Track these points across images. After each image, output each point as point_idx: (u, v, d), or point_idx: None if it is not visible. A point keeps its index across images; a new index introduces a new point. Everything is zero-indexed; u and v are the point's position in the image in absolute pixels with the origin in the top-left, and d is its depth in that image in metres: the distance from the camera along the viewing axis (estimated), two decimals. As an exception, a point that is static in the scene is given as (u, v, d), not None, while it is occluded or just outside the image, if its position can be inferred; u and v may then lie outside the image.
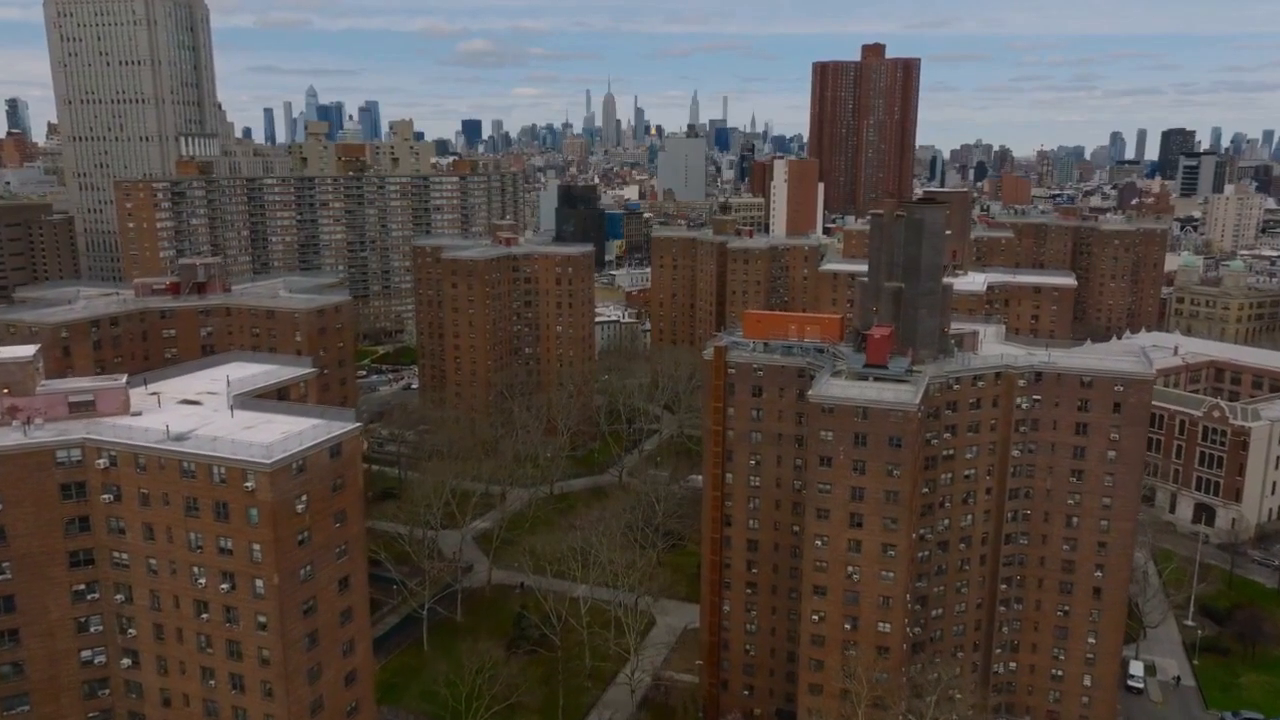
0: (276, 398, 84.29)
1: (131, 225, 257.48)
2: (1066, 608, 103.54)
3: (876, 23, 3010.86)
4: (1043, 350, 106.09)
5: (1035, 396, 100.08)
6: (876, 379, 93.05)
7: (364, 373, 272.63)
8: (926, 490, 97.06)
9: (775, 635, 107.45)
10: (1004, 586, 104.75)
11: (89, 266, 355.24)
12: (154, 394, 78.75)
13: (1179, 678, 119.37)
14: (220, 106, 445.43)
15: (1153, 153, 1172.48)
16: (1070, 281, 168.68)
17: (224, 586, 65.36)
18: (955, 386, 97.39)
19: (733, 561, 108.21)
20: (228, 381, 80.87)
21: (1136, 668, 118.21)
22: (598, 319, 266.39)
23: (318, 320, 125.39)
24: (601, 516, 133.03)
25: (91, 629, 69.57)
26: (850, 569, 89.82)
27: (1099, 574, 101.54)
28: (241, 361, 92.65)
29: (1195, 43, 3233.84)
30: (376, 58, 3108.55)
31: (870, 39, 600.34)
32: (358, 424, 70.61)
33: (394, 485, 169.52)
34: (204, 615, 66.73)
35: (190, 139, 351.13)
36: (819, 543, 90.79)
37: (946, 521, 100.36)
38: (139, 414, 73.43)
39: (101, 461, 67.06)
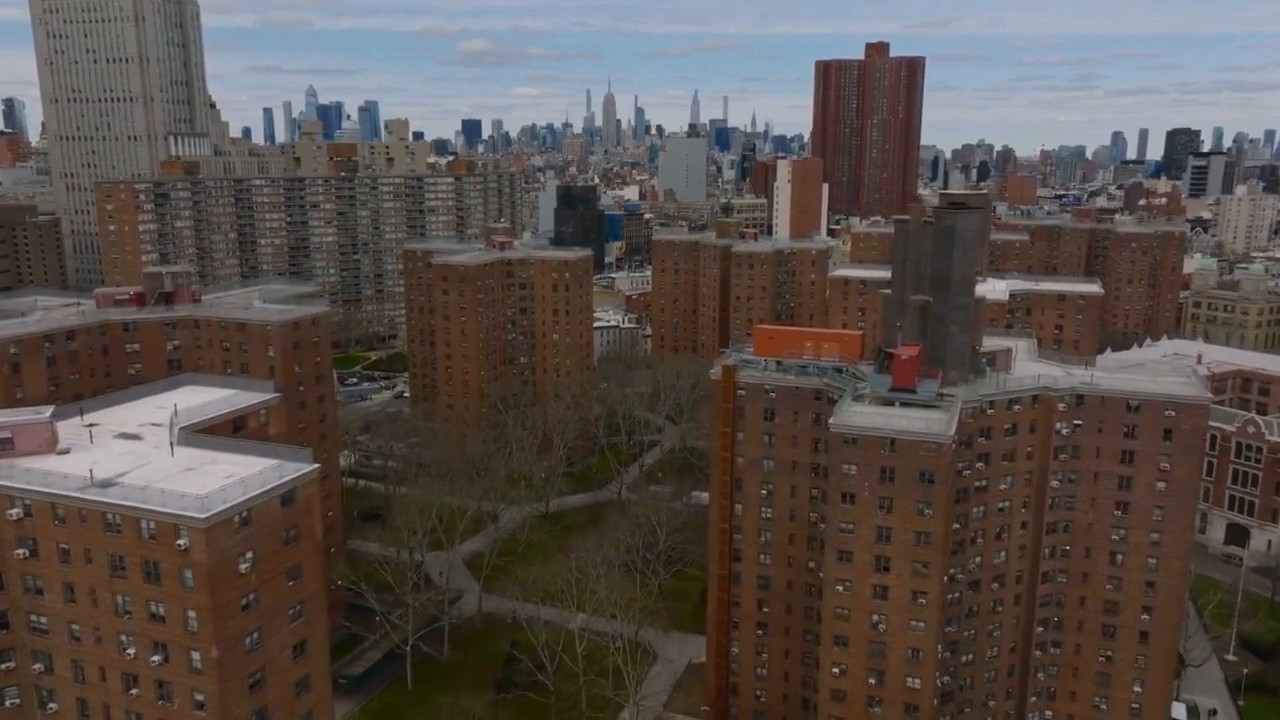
0: (232, 429, 74.99)
1: (113, 228, 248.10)
2: (1109, 653, 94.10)
3: (877, 23, 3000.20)
4: (1082, 369, 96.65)
5: (1076, 421, 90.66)
6: (903, 404, 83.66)
7: (355, 380, 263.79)
8: (957, 526, 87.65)
9: (789, 681, 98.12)
10: (1040, 629, 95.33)
11: (76, 270, 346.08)
12: (90, 426, 69.41)
13: (1215, 710, 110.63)
14: (214, 105, 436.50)
15: (1155, 152, 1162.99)
16: (1097, 289, 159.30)
17: (155, 658, 56.11)
18: (989, 411, 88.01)
19: (742, 600, 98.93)
20: (175, 412, 71.54)
21: (1179, 710, 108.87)
22: (596, 324, 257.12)
23: (292, 334, 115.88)
24: (599, 544, 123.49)
25: (6, 702, 60.37)
26: (875, 618, 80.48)
27: (1146, 617, 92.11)
28: (197, 385, 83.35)
29: (1196, 42, 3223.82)
30: (377, 57, 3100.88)
31: (870, 39, 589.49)
32: (314, 466, 61.33)
33: (380, 505, 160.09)
34: (133, 691, 57.49)
35: (180, 138, 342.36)
36: (840, 588, 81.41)
37: (978, 559, 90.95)
38: (66, 452, 64.18)
39: (15, 511, 57.81)
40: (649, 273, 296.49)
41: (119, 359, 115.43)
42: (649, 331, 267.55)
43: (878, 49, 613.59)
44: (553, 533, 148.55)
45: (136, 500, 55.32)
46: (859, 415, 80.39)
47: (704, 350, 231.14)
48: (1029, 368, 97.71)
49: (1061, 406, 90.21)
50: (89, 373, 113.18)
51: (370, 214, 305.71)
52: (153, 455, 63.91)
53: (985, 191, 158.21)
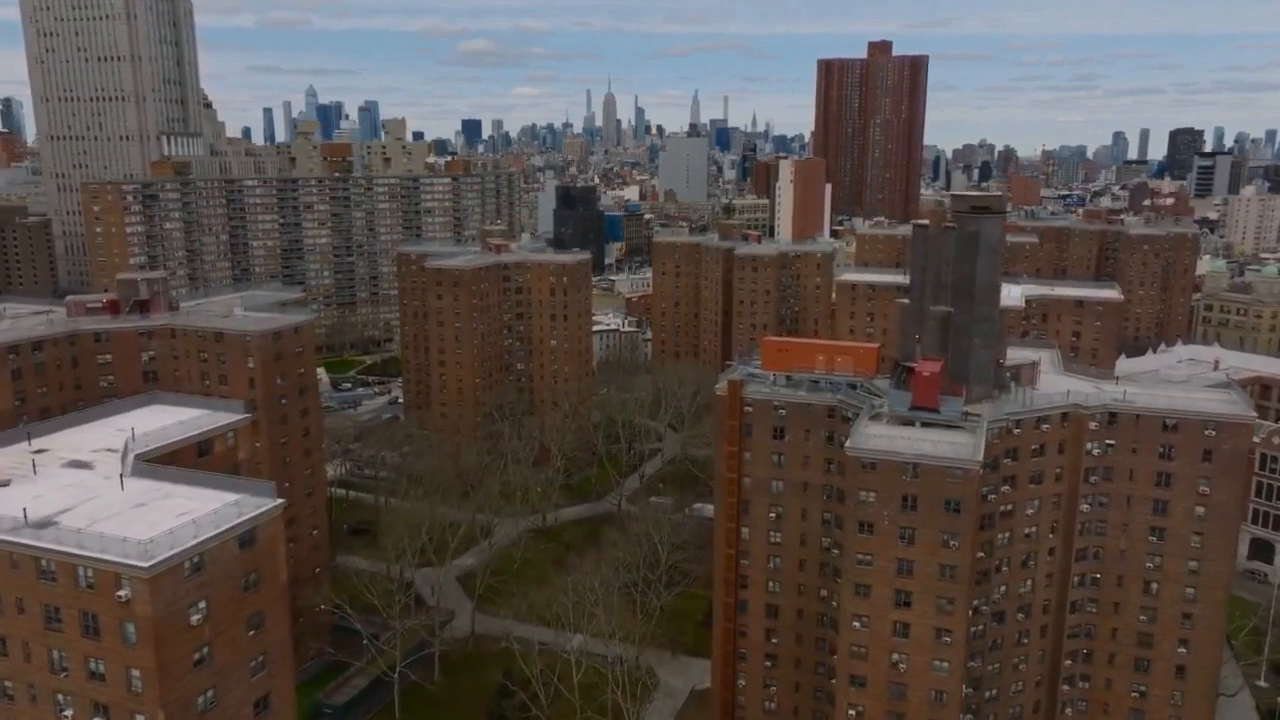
0: (197, 453, 68.86)
1: (99, 230, 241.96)
2: (1143, 688, 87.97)
3: (877, 22, 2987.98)
4: (1113, 384, 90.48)
5: (1108, 441, 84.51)
6: (924, 424, 77.55)
7: (349, 385, 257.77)
8: (981, 554, 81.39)
9: (799, 717, 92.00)
10: (1069, 663, 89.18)
11: (68, 272, 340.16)
12: (38, 453, 63.27)
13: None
14: (209, 105, 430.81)
15: (1156, 152, 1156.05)
16: (1116, 295, 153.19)
17: (96, 721, 50.09)
18: (1016, 431, 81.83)
19: (749, 629, 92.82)
20: (132, 436, 65.40)
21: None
22: (596, 327, 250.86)
23: (273, 344, 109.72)
24: (598, 564, 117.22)
25: (-65, 765, 54.41)
26: (895, 657, 74.31)
27: (1183, 650, 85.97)
28: (164, 404, 77.15)
29: (1196, 42, 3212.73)
30: (377, 57, 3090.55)
31: (869, 39, 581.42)
32: (278, 502, 55.16)
33: (370, 518, 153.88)
34: (73, 756, 51.42)
35: (173, 138, 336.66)
36: (857, 624, 75.25)
37: (1003, 588, 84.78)
38: (6, 484, 58.07)
39: (-60, 555, 51.82)
40: (649, 274, 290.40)
41: (90, 371, 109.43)
42: (650, 335, 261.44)
43: (880, 48, 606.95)
44: (549, 549, 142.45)
45: (73, 544, 49.14)
46: (877, 437, 74.19)
47: (706, 355, 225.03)
48: (1055, 382, 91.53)
49: (1093, 425, 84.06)
50: (57, 386, 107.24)
51: (365, 215, 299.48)
52: (102, 487, 57.79)
53: (1000, 194, 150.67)
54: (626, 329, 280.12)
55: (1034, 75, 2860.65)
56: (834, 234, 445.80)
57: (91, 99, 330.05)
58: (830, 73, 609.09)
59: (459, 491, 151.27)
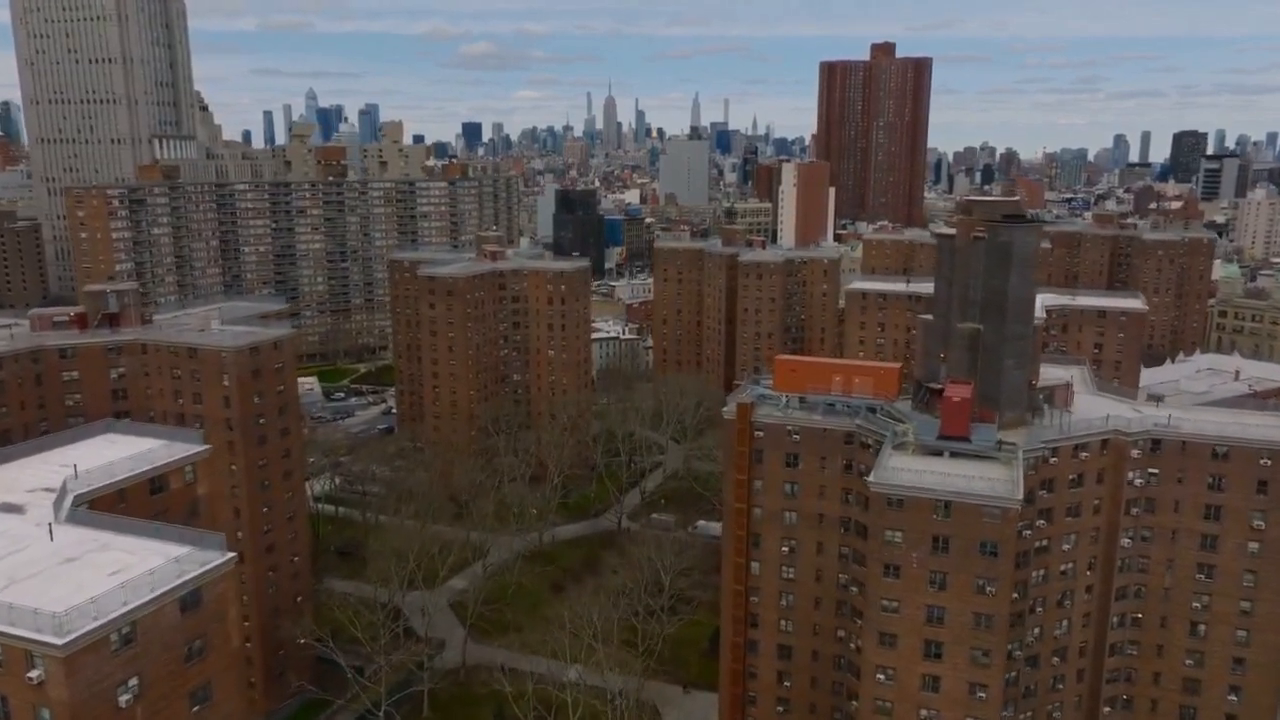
0: (150, 490, 61.93)
1: (84, 236, 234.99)
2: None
3: (878, 25, 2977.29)
4: (1153, 406, 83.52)
5: (1152, 470, 77.51)
6: (954, 454, 70.52)
7: (342, 395, 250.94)
8: (1015, 595, 74.41)
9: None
10: (1107, 710, 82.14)
11: (59, 278, 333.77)
12: (-33, 493, 56.32)
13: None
14: (205, 108, 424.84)
15: (1157, 155, 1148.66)
16: (1140, 305, 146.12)
17: (11, 818, 43.16)
18: (1052, 460, 74.82)
19: (760, 671, 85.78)
20: (74, 473, 58.49)
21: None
22: (596, 335, 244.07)
23: (249, 360, 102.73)
24: (596, 594, 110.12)
25: None
26: (924, 714, 67.27)
27: (1234, 698, 78.94)
28: (118, 433, 70.12)
29: (1197, 45, 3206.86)
30: (379, 60, 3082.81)
31: (870, 41, 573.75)
32: (228, 556, 48.14)
33: (359, 536, 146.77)
34: None
35: (165, 141, 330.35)
36: (882, 677, 68.22)
37: (1037, 630, 77.78)
38: (-80, 533, 51.18)
39: None
40: (650, 280, 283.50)
41: (55, 389, 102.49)
42: (650, 343, 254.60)
43: (883, 50, 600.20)
44: (545, 574, 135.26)
45: (-21, 614, 42.24)
46: (904, 471, 67.12)
47: (709, 365, 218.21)
48: (1090, 404, 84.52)
49: (1135, 453, 77.06)
50: (19, 405, 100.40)
51: (360, 220, 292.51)
52: (30, 537, 50.86)
53: (1017, 199, 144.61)
54: (627, 336, 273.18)
55: (1035, 78, 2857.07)
56: (837, 238, 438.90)
57: (82, 101, 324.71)
58: (833, 75, 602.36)
59: (451, 512, 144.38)
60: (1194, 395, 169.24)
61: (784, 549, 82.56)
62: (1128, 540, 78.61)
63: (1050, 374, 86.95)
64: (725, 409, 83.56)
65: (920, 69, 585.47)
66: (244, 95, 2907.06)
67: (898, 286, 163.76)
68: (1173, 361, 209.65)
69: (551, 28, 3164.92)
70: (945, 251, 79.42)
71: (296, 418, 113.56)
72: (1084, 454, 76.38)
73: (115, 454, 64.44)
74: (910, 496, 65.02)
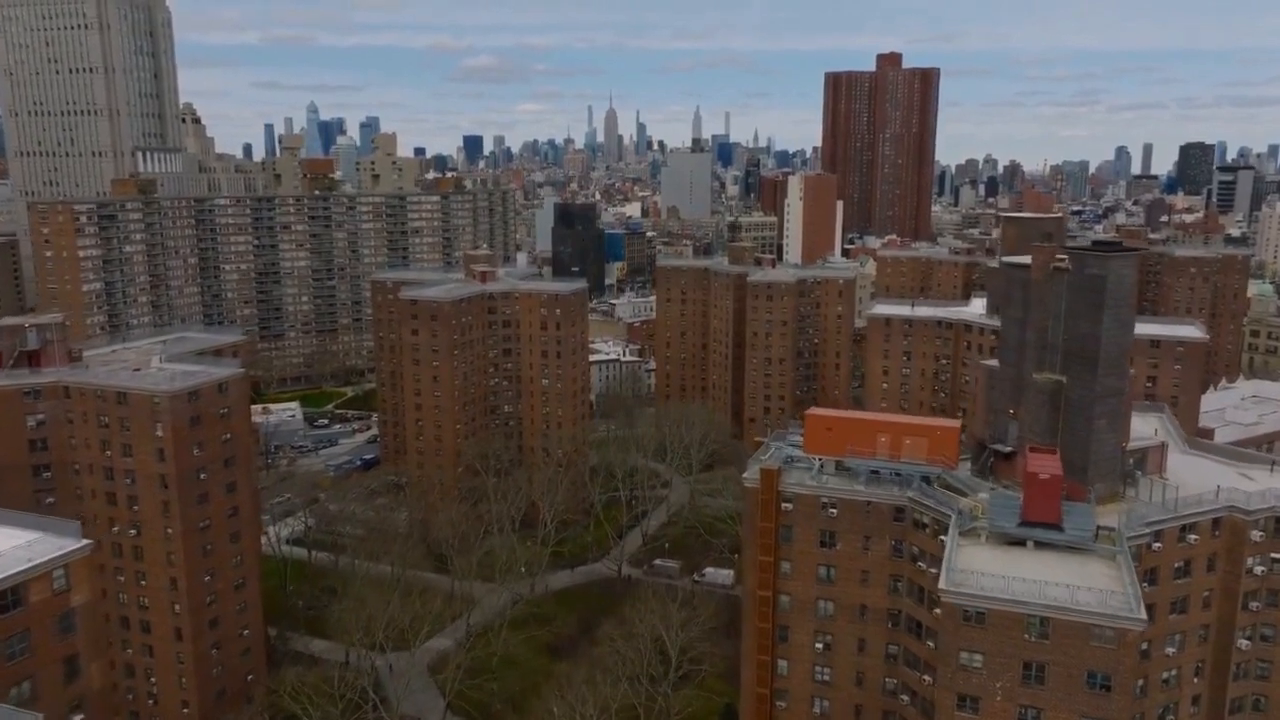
0: (8, 603, 47.23)
1: (49, 254, 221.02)
2: None
3: (880, 38, 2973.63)
4: (1267, 471, 68.75)
5: (1275, 556, 62.78)
6: (1039, 544, 55.77)
7: (325, 421, 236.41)
8: (1111, 714, 59.57)
9: None
10: (1216, 846, 67.03)
11: (37, 294, 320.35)
12: None
13: None
14: (199, 120, 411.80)
15: (1159, 167, 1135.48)
16: (1199, 334, 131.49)
17: None
18: (1155, 547, 60.08)
19: (788, 791, 70.77)
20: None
21: None
22: (595, 357, 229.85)
23: (187, 407, 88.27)
24: (592, 679, 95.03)
25: None
26: None
27: (1377, 837, 63.91)
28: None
29: (1198, 57, 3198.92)
30: (381, 73, 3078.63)
31: (872, 55, 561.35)
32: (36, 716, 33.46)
33: (331, 587, 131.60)
34: None
35: (149, 154, 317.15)
36: (954, 835, 53.24)
37: (1133, 753, 62.83)
38: None
39: None
40: (652, 297, 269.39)
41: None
42: (652, 365, 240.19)
43: (890, 60, 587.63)
44: (535, 639, 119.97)
45: None
46: (985, 575, 52.17)
47: (715, 392, 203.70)
48: (1186, 468, 69.82)
49: (1256, 535, 62.31)
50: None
51: (347, 236, 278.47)
52: None
53: (1061, 216, 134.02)
54: (628, 359, 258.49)
55: (1037, 90, 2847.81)
56: (845, 253, 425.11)
57: (63, 113, 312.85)
58: (838, 86, 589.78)
59: (431, 565, 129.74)
60: (1242, 427, 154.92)
61: (818, 646, 67.83)
62: (1245, 641, 63.78)
63: (1138, 430, 72.20)
64: (747, 475, 68.92)
65: (927, 80, 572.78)
66: (246, 108, 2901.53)
67: (924, 312, 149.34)
68: (1214, 389, 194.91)
69: (554, 41, 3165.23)
70: (1016, 286, 64.87)
71: (248, 469, 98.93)
72: (1192, 536, 61.69)
73: (-32, 552, 49.77)
74: (994, 609, 50.18)
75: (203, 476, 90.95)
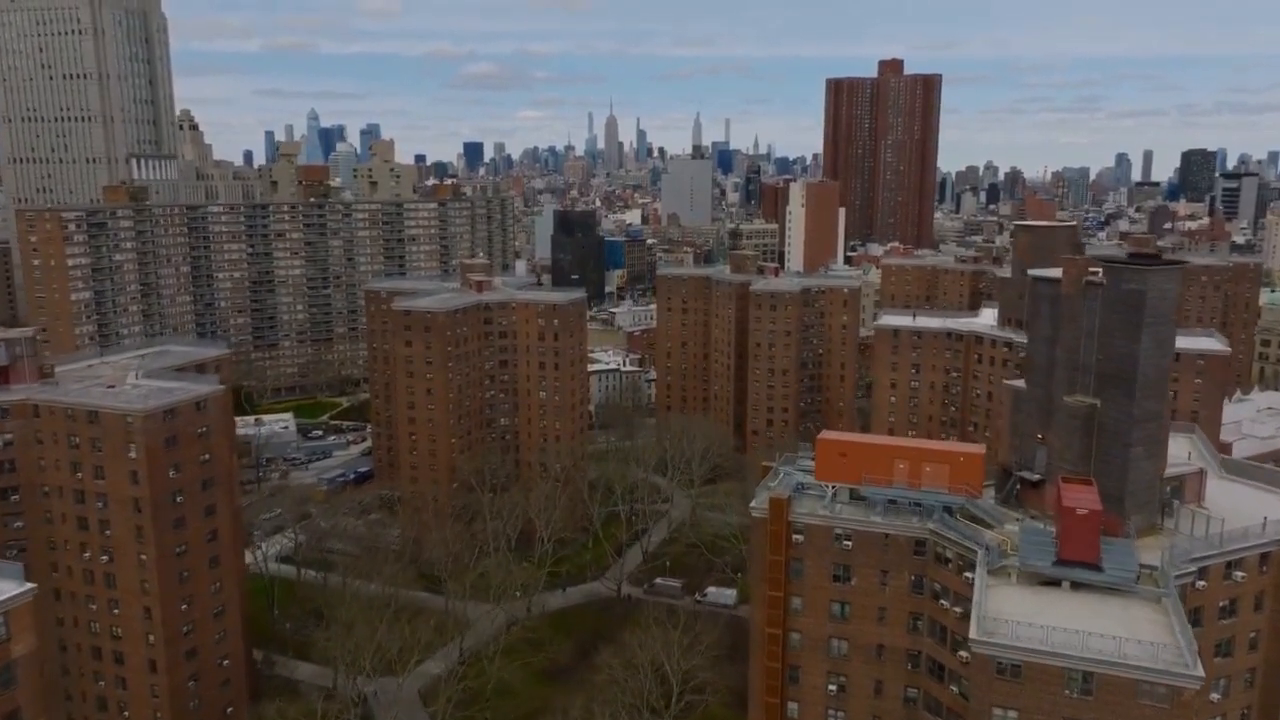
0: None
1: (37, 263, 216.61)
2: None
3: (881, 45, 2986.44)
4: (1312, 500, 63.98)
5: (1327, 593, 58.02)
6: (1075, 585, 51.01)
7: (320, 433, 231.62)
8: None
9: None
10: None
11: (28, 303, 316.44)
12: None
13: None
14: (196, 126, 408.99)
15: (1160, 174, 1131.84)
16: (1223, 347, 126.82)
17: None
18: (1199, 585, 55.34)
19: (799, 843, 65.87)
20: None
21: None
22: (594, 367, 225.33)
23: (163, 426, 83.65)
24: (589, 703, 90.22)
25: None
26: None
27: None
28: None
29: (1198, 63, 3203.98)
30: (382, 81, 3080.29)
31: (871, 62, 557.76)
32: None
33: (320, 609, 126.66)
34: None
35: (143, 161, 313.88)
36: None
37: (1174, 807, 57.89)
38: None
39: None
40: (653, 305, 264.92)
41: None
42: (653, 375, 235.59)
43: (891, 66, 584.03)
44: (530, 665, 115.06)
45: None
46: (1021, 625, 47.28)
47: (717, 404, 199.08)
48: (1226, 496, 65.04)
49: (1306, 571, 57.56)
50: None
51: (343, 244, 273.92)
52: None
53: (1074, 224, 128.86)
54: (628, 368, 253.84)
55: (1037, 97, 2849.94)
56: (848, 260, 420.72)
57: (56, 119, 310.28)
58: (840, 92, 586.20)
59: (423, 585, 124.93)
60: (1259, 440, 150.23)
61: (831, 688, 63.05)
62: (1294, 685, 58.97)
63: (1173, 455, 67.37)
64: (754, 504, 64.16)
65: (929, 86, 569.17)
66: (248, 116, 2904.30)
67: (933, 322, 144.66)
68: (1229, 400, 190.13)
69: (554, 48, 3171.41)
70: (1045, 301, 60.24)
71: (229, 490, 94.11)
72: (1239, 573, 56.89)
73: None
74: (1031, 662, 45.41)
75: (179, 500, 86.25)
